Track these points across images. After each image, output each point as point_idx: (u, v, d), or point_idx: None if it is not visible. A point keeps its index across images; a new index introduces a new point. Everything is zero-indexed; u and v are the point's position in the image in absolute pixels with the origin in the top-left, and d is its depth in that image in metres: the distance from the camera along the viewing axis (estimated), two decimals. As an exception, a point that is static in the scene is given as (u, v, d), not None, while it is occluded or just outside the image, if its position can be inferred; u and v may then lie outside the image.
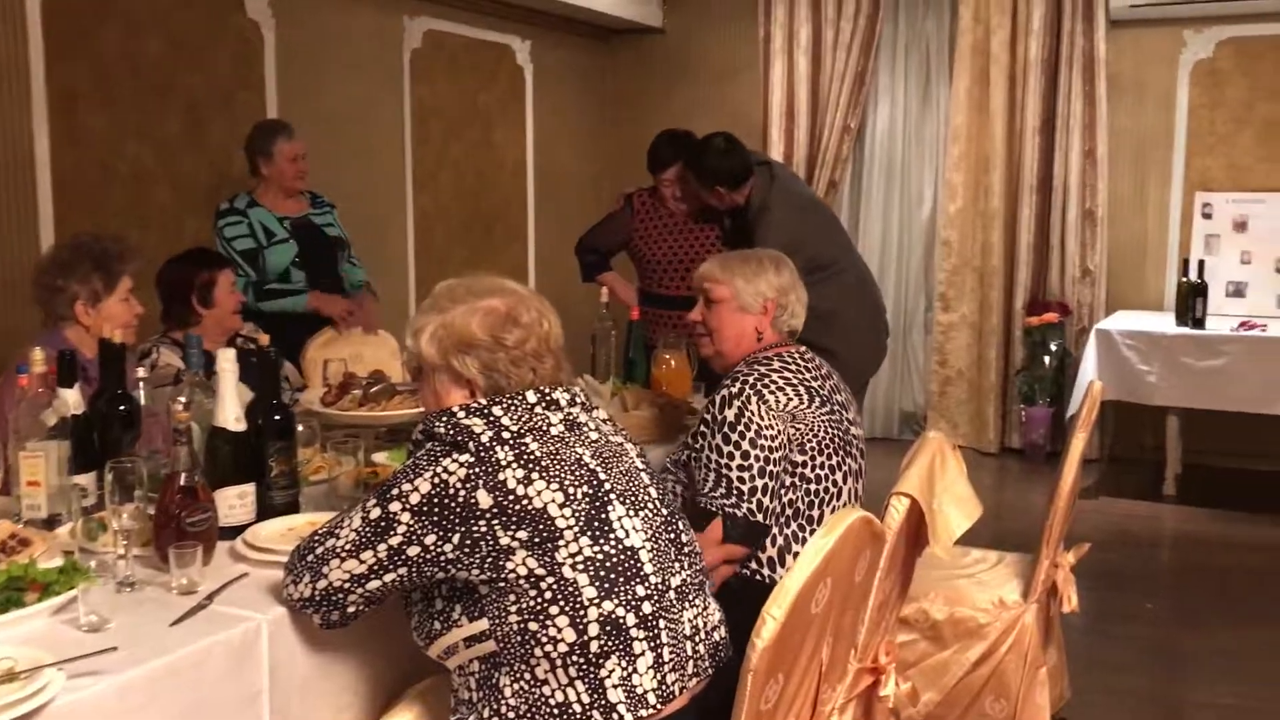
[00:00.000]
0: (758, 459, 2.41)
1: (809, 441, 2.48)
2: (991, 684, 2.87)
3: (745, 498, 2.41)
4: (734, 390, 2.47)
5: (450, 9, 5.92)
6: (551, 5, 6.23)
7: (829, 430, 2.51)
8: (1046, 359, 6.18)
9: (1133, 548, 4.85)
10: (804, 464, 2.47)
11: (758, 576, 2.48)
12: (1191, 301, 5.44)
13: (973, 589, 2.95)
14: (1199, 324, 5.41)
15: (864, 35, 6.49)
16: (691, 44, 7.07)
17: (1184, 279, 5.57)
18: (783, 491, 2.46)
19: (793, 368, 2.56)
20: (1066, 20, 6.09)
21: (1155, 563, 4.84)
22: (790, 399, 2.48)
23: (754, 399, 2.45)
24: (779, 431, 2.44)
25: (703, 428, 2.51)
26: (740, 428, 2.42)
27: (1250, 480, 5.84)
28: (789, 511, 2.48)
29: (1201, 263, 5.56)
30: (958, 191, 6.41)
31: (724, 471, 2.42)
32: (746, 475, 2.41)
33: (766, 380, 2.49)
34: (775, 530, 2.48)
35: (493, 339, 1.87)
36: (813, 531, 2.42)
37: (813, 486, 2.49)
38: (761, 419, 2.43)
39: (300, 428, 2.43)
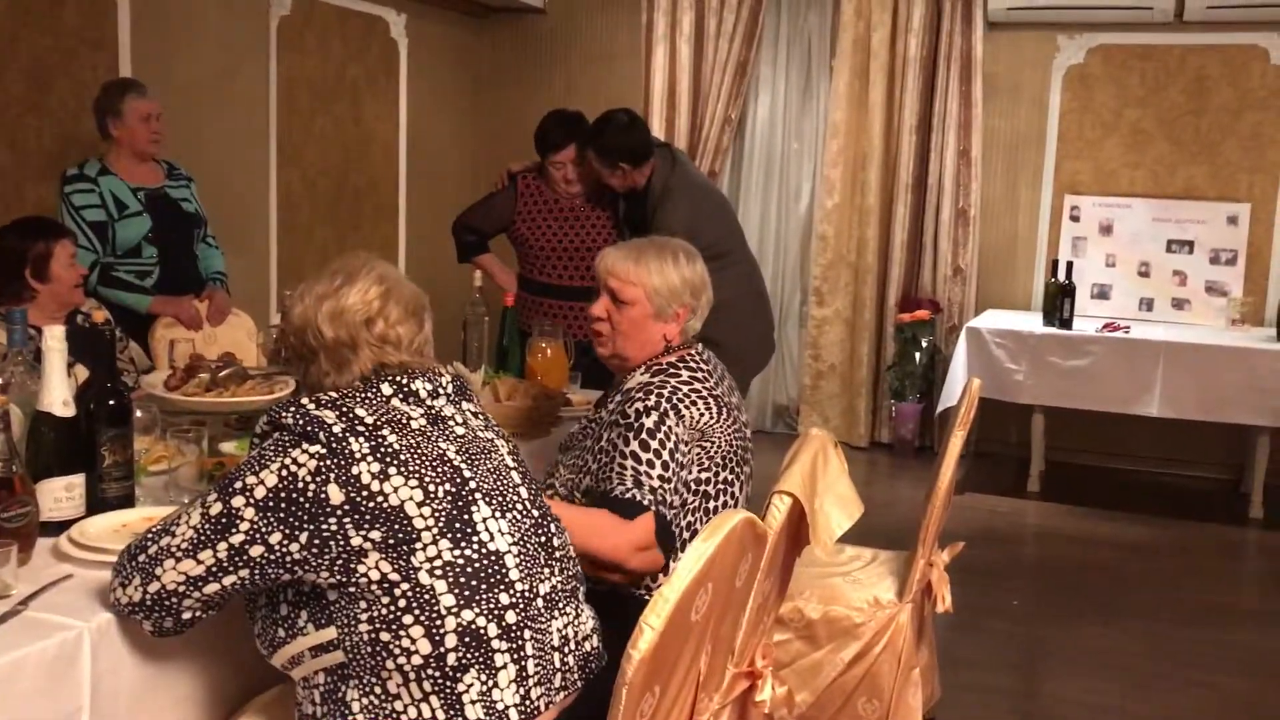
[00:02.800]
0: (675, 474, 2.25)
1: (715, 457, 2.33)
2: (865, 684, 2.83)
3: (667, 507, 2.23)
4: (650, 404, 2.27)
5: (322, -23, 5.67)
6: (429, -22, 6.03)
7: (732, 442, 2.37)
8: (917, 355, 6.24)
9: (998, 544, 4.92)
10: (707, 480, 2.33)
11: None
12: (1059, 302, 5.54)
13: (848, 588, 2.91)
14: (1066, 324, 5.51)
15: (746, 26, 6.45)
16: (573, 26, 6.93)
17: (1052, 280, 5.67)
18: (682, 514, 2.31)
19: (700, 375, 2.38)
20: (946, 20, 6.14)
21: (1020, 559, 4.90)
22: (702, 414, 2.31)
23: (671, 414, 2.26)
24: (688, 450, 2.28)
25: (614, 430, 2.27)
26: (660, 437, 2.23)
27: (1111, 478, 5.99)
28: (686, 535, 2.31)
29: (1070, 264, 5.67)
30: (835, 187, 6.42)
31: (643, 478, 2.20)
32: (667, 487, 2.23)
33: (680, 394, 2.31)
34: (670, 559, 2.27)
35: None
36: None
37: (712, 504, 2.34)
38: (679, 435, 2.26)
39: (139, 413, 2.23)
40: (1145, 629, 4.01)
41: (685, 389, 2.32)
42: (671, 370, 2.37)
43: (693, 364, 2.40)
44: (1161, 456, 6.01)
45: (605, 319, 2.42)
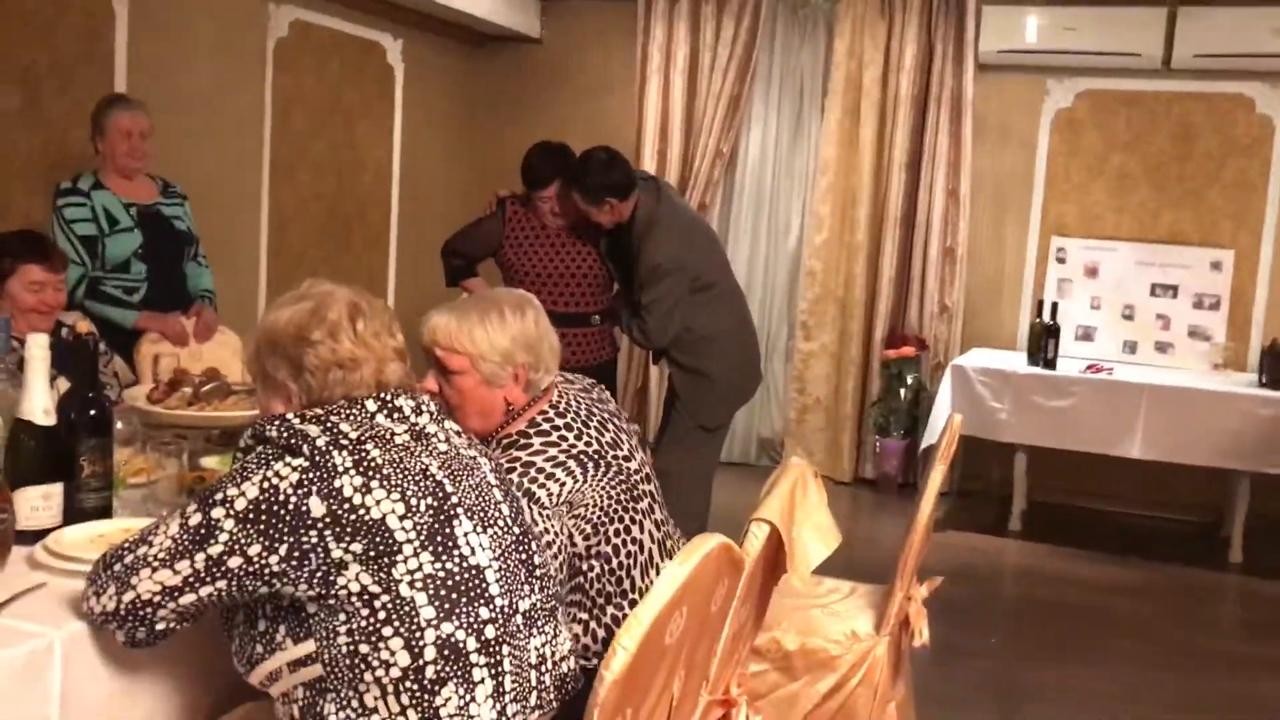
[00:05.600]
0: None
1: (594, 519, 2.11)
2: (840, 717, 2.82)
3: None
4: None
5: (320, 0, 5.70)
6: (427, 6, 6.06)
7: (610, 493, 2.13)
8: (902, 392, 6.26)
9: (978, 582, 4.92)
10: (597, 542, 2.11)
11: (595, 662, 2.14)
12: (1044, 342, 5.57)
13: (825, 620, 2.90)
14: (1050, 364, 5.54)
15: (740, 61, 6.50)
16: (568, 56, 6.98)
17: (1037, 320, 5.71)
18: (585, 583, 2.12)
19: (554, 437, 2.13)
20: (937, 60, 6.20)
21: (999, 597, 4.91)
22: (564, 484, 2.08)
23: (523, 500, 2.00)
24: (555, 535, 2.06)
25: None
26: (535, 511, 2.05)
27: (1092, 519, 6.00)
28: (600, 600, 2.13)
29: (1055, 305, 5.71)
30: (824, 222, 6.46)
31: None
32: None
33: (531, 473, 2.08)
34: (593, 622, 2.13)
35: (298, 337, 1.74)
36: (632, 603, 2.11)
37: (611, 564, 2.12)
38: (537, 522, 2.02)
39: (120, 425, 2.23)
40: (1123, 671, 4.01)
41: (538, 460, 2.10)
42: (520, 442, 2.13)
43: (545, 426, 2.15)
44: (1142, 498, 6.03)
45: (438, 393, 2.16)
